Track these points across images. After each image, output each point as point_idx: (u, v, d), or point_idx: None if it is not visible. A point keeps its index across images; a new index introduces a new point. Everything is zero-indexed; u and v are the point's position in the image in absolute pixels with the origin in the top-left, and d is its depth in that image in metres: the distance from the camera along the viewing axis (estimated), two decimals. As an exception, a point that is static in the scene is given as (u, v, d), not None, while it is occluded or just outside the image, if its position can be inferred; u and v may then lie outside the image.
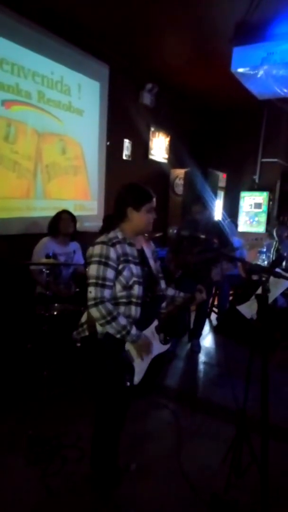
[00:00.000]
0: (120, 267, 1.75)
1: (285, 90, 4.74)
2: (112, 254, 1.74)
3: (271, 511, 1.73)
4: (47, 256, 3.12)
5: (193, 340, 4.13)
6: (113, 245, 1.76)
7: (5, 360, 3.21)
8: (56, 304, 3.14)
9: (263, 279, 1.71)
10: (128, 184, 1.92)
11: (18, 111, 3.68)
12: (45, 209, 3.97)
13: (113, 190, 5.02)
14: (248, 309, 2.10)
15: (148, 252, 1.97)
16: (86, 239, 4.03)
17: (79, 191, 4.59)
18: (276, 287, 2.06)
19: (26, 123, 3.76)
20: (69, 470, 2.23)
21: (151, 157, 5.81)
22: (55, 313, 3.02)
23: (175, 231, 1.89)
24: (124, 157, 5.32)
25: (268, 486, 1.76)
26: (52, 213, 3.60)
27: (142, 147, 5.64)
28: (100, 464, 1.97)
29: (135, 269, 1.80)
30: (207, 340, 4.45)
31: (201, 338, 4.20)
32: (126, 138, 5.30)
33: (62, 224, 3.47)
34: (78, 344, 3.04)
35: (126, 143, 5.31)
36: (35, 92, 3.82)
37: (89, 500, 2.01)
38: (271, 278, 1.96)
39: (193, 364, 3.79)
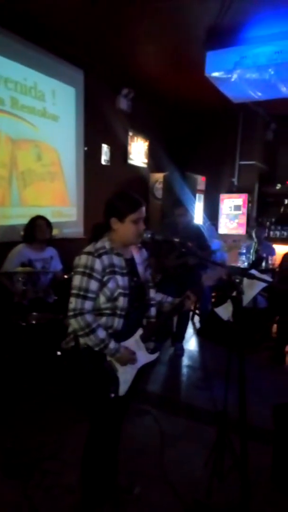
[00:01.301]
0: (105, 278, 1.72)
1: (259, 94, 4.81)
2: (97, 265, 1.70)
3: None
4: (23, 264, 3.07)
5: (176, 344, 4.12)
6: (99, 256, 1.71)
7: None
8: (34, 313, 3.08)
9: (237, 281, 1.70)
10: (116, 192, 1.86)
11: (-9, 118, 3.63)
12: (22, 217, 3.89)
13: (93, 196, 5.04)
14: (225, 311, 2.09)
15: (138, 260, 1.91)
16: (65, 245, 4.01)
17: (56, 197, 4.54)
18: (251, 289, 2.06)
19: (-1, 129, 3.71)
20: (50, 482, 2.17)
21: (130, 161, 5.81)
22: (33, 322, 2.96)
23: (149, 235, 1.84)
24: (103, 162, 5.30)
25: (250, 489, 1.75)
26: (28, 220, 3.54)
27: (120, 151, 5.63)
28: (90, 480, 1.89)
29: (121, 280, 1.76)
30: (190, 343, 4.45)
31: (184, 341, 4.20)
32: (104, 143, 5.28)
33: (38, 230, 3.42)
34: (59, 353, 3.02)
35: (105, 148, 5.30)
36: (8, 99, 3.77)
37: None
38: (246, 280, 1.96)
39: (176, 368, 3.77)
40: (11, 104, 3.80)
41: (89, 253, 1.72)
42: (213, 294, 5.07)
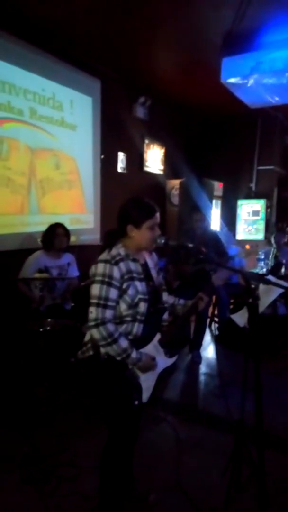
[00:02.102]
0: (125, 285, 1.71)
1: (276, 98, 4.77)
2: (116, 273, 1.69)
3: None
4: (40, 271, 3.11)
5: (194, 351, 4.08)
6: (116, 263, 1.70)
7: None
8: (49, 319, 3.11)
9: (253, 286, 1.68)
10: (130, 198, 1.86)
11: (10, 128, 3.72)
12: (40, 224, 3.96)
13: (109, 203, 5.10)
14: (241, 317, 2.07)
15: (151, 264, 1.91)
16: (83, 252, 4.06)
17: (74, 205, 4.61)
18: (268, 295, 2.03)
19: (18, 139, 3.80)
20: (66, 489, 2.18)
21: (146, 169, 5.84)
22: (48, 328, 2.99)
23: (163, 241, 1.84)
24: (119, 170, 5.35)
25: (268, 499, 1.70)
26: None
27: (136, 159, 5.67)
28: (107, 487, 1.87)
29: (140, 286, 1.76)
30: (208, 350, 4.40)
31: (202, 349, 4.15)
32: (121, 151, 5.33)
33: (57, 239, 3.46)
34: (72, 359, 3.03)
35: (121, 156, 5.35)
36: (27, 109, 3.86)
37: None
38: (263, 286, 1.94)
39: (193, 375, 3.73)
40: (30, 114, 3.89)
41: (106, 261, 1.70)
42: (231, 301, 5.01)
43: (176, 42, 4.22)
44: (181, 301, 2.02)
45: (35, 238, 3.90)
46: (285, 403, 2.97)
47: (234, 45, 4.16)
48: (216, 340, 4.71)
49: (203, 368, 3.88)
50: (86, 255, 3.97)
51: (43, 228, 3.59)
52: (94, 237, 4.91)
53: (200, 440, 2.70)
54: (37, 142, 4.01)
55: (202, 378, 3.69)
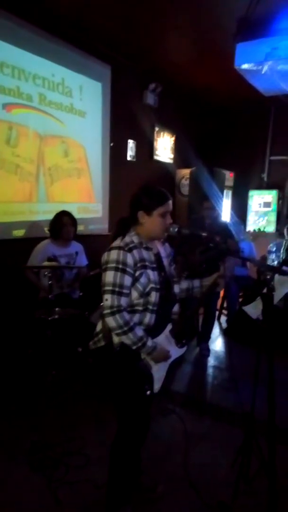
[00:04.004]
0: (137, 273, 1.67)
1: (291, 86, 4.64)
2: (129, 260, 1.65)
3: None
4: (50, 259, 3.08)
5: (202, 344, 4.04)
6: (130, 250, 1.67)
7: (6, 365, 3.17)
8: (57, 309, 3.08)
9: (268, 277, 1.62)
10: (143, 185, 1.82)
11: (19, 114, 3.66)
12: (49, 212, 3.91)
13: (118, 192, 5.03)
14: (254, 309, 2.01)
15: (163, 254, 1.87)
16: (90, 241, 4.01)
17: (82, 193, 4.55)
18: (284, 286, 1.97)
19: (27, 126, 3.74)
20: (75, 477, 2.17)
21: (156, 157, 5.76)
22: (56, 317, 2.97)
23: (175, 229, 1.79)
24: (128, 158, 5.27)
25: (277, 493, 1.66)
26: None
27: (146, 147, 5.58)
28: (117, 477, 1.86)
29: (152, 274, 1.72)
30: (216, 343, 4.35)
31: (210, 342, 4.10)
32: (130, 138, 5.25)
33: (64, 229, 3.40)
34: (80, 349, 3.01)
35: (130, 143, 5.26)
36: (36, 95, 3.79)
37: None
38: (278, 277, 1.88)
39: (202, 368, 3.69)
40: (39, 100, 3.82)
41: (119, 248, 1.66)
42: (241, 294, 4.95)
43: (189, 28, 4.10)
44: (196, 283, 1.95)
45: (41, 226, 3.87)
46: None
47: (249, 31, 4.03)
48: (225, 333, 4.66)
49: (211, 361, 3.84)
50: (94, 244, 3.93)
51: (51, 216, 3.55)
52: (102, 227, 4.86)
53: (208, 432, 2.67)
54: (46, 129, 3.94)
55: (210, 371, 3.65)
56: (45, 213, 3.93)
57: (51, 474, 2.18)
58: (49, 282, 2.99)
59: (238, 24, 4.02)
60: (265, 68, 4.18)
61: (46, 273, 3.06)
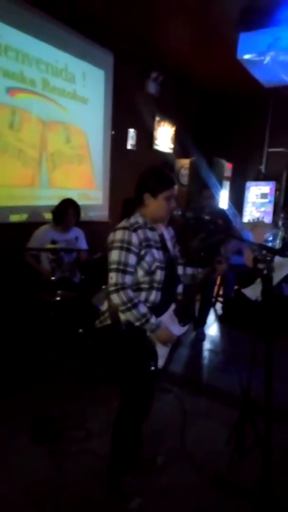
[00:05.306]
0: (142, 252, 1.74)
1: (292, 77, 4.69)
2: (134, 239, 1.72)
3: (273, 490, 1.74)
4: (53, 242, 3.14)
5: (198, 329, 4.14)
6: (135, 230, 1.74)
7: (10, 344, 3.25)
8: (59, 291, 3.15)
9: (268, 258, 1.70)
10: (150, 168, 1.88)
11: (22, 99, 3.68)
12: (51, 198, 3.97)
13: (118, 181, 5.06)
14: (253, 291, 2.10)
15: (167, 236, 1.94)
16: (90, 228, 4.06)
17: (83, 180, 4.59)
18: (281, 270, 2.06)
19: (30, 111, 3.77)
20: (76, 449, 2.27)
21: (155, 147, 5.80)
22: (58, 298, 3.04)
23: (179, 212, 1.86)
24: (128, 147, 5.31)
25: (272, 465, 1.76)
26: (56, 202, 3.56)
27: (147, 137, 5.62)
28: (119, 448, 1.96)
29: (157, 254, 1.79)
30: (212, 328, 4.46)
31: (206, 327, 4.21)
32: (131, 127, 5.28)
33: (67, 219, 3.45)
34: (81, 330, 3.09)
35: (131, 132, 5.29)
36: (40, 80, 3.81)
37: (98, 483, 2.03)
38: (278, 259, 1.97)
39: (198, 351, 3.80)
40: (42, 86, 3.84)
41: (125, 228, 1.74)
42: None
43: (192, 17, 4.12)
44: (200, 270, 2.05)
45: (42, 211, 3.91)
46: (286, 380, 3.04)
47: (252, 20, 4.06)
48: (220, 319, 4.77)
49: (207, 345, 3.95)
50: (93, 231, 4.00)
51: (53, 202, 3.59)
52: (102, 214, 4.91)
53: (205, 411, 2.79)
54: (49, 115, 3.97)
55: (206, 354, 3.76)
56: (47, 198, 3.97)
57: (54, 446, 2.27)
58: (52, 265, 3.05)
59: (242, 13, 4.05)
60: (267, 58, 4.22)
61: (49, 255, 3.12)
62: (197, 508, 1.94)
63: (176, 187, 1.85)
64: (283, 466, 2.21)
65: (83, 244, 3.68)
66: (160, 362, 1.86)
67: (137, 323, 1.72)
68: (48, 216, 3.70)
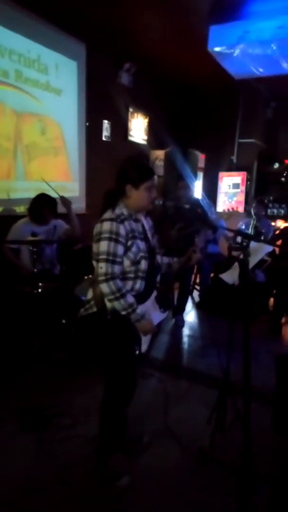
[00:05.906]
0: (129, 243, 1.80)
1: (261, 70, 4.83)
2: (122, 230, 1.77)
3: (252, 462, 1.87)
4: (34, 235, 3.15)
5: (177, 316, 4.26)
6: (122, 221, 1.79)
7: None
8: (40, 283, 3.17)
9: (244, 244, 1.81)
10: (129, 159, 1.93)
11: (-4, 91, 3.64)
12: (27, 191, 3.95)
13: (94, 172, 5.06)
14: (231, 276, 2.21)
15: (146, 227, 2.01)
16: (68, 221, 4.05)
17: (60, 172, 4.59)
18: (256, 255, 2.18)
19: (4, 102, 3.73)
20: (64, 435, 2.33)
21: (130, 138, 5.83)
22: (39, 290, 3.07)
23: (160, 202, 1.93)
24: (103, 138, 5.32)
25: (251, 440, 1.89)
26: (33, 194, 3.50)
27: (121, 128, 5.64)
28: (107, 431, 2.04)
29: (142, 244, 1.86)
30: (190, 315, 4.59)
31: (184, 314, 4.34)
32: (105, 119, 5.29)
33: (45, 217, 3.41)
34: (64, 321, 3.14)
35: (105, 124, 5.31)
36: (13, 71, 3.77)
37: (88, 467, 2.10)
38: (253, 244, 2.09)
39: (177, 337, 3.92)
40: (15, 77, 3.80)
41: (112, 219, 1.78)
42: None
43: (164, 7, 4.16)
44: (175, 259, 2.15)
45: (18, 205, 3.89)
46: (261, 361, 3.21)
47: (222, 13, 4.15)
48: (197, 306, 4.92)
49: (186, 331, 4.08)
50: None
51: (29, 194, 3.57)
52: (80, 206, 4.92)
53: (186, 393, 2.90)
54: (23, 106, 3.93)
55: (185, 339, 3.89)
56: (23, 191, 3.96)
57: (42, 434, 2.33)
58: (33, 257, 3.07)
59: (212, 6, 4.13)
60: (237, 51, 4.33)
61: (30, 248, 3.13)
62: (183, 481, 2.05)
63: (156, 177, 1.92)
64: (260, 440, 2.35)
65: (63, 225, 3.61)
66: (144, 346, 1.95)
67: (123, 312, 1.79)
68: (20, 210, 3.68)
